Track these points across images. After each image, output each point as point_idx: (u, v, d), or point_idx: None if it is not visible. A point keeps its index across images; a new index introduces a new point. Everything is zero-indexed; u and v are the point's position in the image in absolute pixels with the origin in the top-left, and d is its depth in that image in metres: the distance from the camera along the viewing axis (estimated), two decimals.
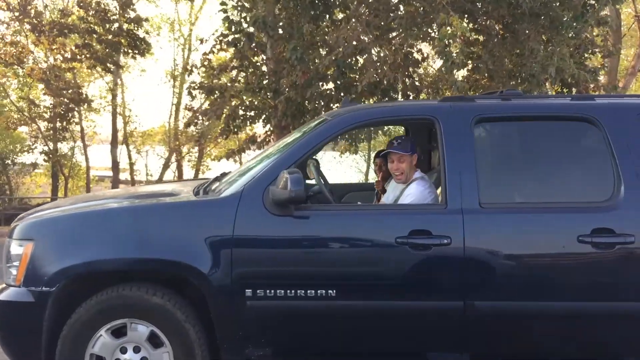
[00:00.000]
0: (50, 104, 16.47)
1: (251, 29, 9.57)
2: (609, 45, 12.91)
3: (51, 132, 17.59)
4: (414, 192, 3.55)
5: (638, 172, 3.10)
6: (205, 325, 3.17)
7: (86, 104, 17.73)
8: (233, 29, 9.74)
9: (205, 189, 3.54)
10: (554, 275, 3.09)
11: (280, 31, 9.74)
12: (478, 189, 3.12)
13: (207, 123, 14.95)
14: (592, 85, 11.32)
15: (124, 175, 23.39)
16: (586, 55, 10.92)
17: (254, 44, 10.17)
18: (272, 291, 3.07)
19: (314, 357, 3.30)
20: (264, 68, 10.96)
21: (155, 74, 39.57)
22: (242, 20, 9.66)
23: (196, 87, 11.71)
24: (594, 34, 11.38)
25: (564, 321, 3.12)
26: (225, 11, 9.80)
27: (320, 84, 9.59)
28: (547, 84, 9.28)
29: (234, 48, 10.46)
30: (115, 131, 21.58)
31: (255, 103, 11.26)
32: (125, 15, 14.84)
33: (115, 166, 21.34)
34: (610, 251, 3.03)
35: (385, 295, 3.13)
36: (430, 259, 3.08)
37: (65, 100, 15.70)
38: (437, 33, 8.00)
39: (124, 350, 3.11)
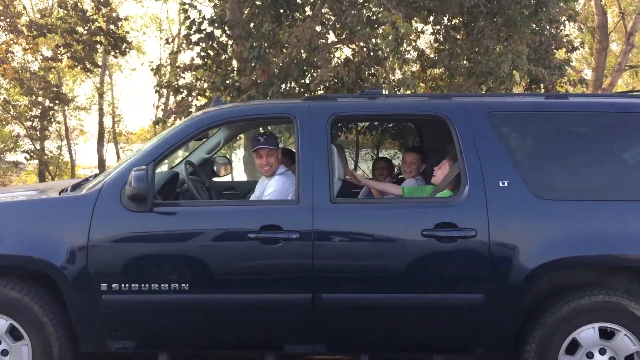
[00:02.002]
0: (30, 103, 16.57)
1: (210, 29, 9.68)
2: (576, 41, 12.87)
3: (33, 131, 17.69)
4: (275, 184, 3.65)
5: (483, 169, 3.17)
6: (67, 318, 3.27)
7: (68, 103, 17.83)
8: (194, 29, 9.85)
9: (74, 187, 3.63)
10: (400, 268, 3.16)
11: (240, 30, 9.80)
12: (330, 186, 3.21)
13: None
14: (559, 81, 11.36)
15: None
16: (551, 51, 10.93)
17: (215, 43, 10.26)
18: (127, 285, 3.17)
19: (176, 349, 3.40)
20: (228, 67, 11.03)
21: (147, 72, 39.78)
22: (202, 19, 9.77)
23: (163, 85, 11.78)
24: (559, 29, 11.39)
25: (410, 313, 3.20)
26: (185, 10, 9.91)
27: (282, 83, 9.64)
28: (508, 81, 9.31)
29: (198, 47, 10.55)
30: (101, 130, 21.77)
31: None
32: (102, 14, 14.90)
33: (101, 164, 21.51)
34: (452, 244, 3.10)
35: (237, 288, 3.21)
36: (280, 253, 3.15)
37: (40, 99, 15.81)
38: (380, 31, 8.05)
39: None
